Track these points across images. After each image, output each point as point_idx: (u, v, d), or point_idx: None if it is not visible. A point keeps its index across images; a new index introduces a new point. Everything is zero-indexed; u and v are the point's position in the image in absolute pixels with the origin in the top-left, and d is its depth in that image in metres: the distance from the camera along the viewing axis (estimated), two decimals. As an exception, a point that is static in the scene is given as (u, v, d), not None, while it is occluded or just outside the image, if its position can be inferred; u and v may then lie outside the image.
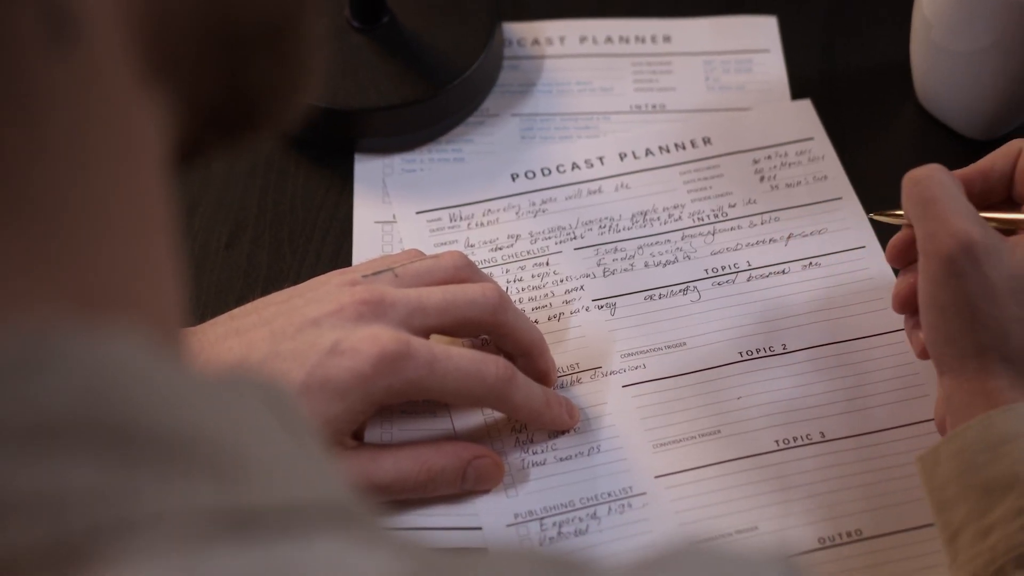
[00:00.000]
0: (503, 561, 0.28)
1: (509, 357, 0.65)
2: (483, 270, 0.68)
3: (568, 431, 0.66)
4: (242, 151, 0.37)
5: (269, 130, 0.34)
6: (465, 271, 0.65)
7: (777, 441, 0.65)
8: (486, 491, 0.64)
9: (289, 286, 0.67)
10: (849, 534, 0.62)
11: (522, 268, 0.73)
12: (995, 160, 0.63)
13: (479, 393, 0.61)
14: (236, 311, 0.64)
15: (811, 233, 0.74)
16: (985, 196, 0.63)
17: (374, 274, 0.63)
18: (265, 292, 0.69)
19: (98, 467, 0.25)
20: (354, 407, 0.59)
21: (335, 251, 0.75)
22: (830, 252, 0.73)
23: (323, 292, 0.62)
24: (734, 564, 0.29)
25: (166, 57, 0.30)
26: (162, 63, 0.29)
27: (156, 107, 0.29)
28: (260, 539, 0.26)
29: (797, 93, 0.82)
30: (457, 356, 0.61)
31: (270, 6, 0.32)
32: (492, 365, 0.61)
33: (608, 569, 0.29)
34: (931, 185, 0.59)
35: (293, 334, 0.60)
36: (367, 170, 0.79)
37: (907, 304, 0.64)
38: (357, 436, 0.64)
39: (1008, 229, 0.61)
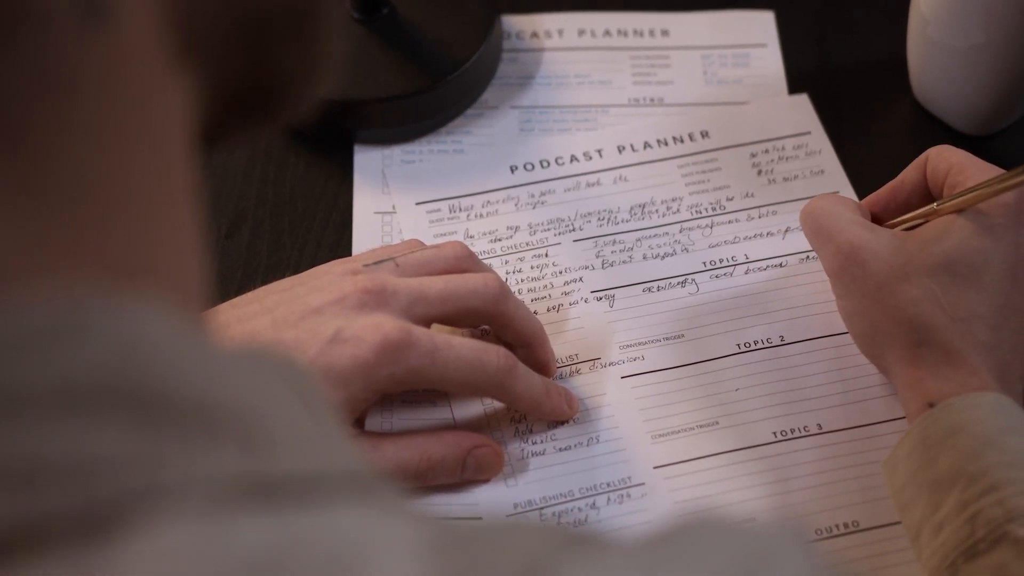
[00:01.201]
0: (516, 531, 0.29)
1: (509, 347, 0.65)
2: (483, 261, 0.68)
3: (567, 421, 0.66)
4: (249, 137, 0.37)
5: (285, 116, 0.35)
6: (466, 261, 0.66)
7: (775, 433, 0.66)
8: (486, 480, 0.64)
9: (289, 276, 0.68)
10: (846, 525, 0.63)
11: (521, 259, 0.74)
12: (905, 174, 0.67)
13: (480, 382, 0.62)
14: (237, 299, 0.64)
15: (808, 227, 0.74)
16: (905, 209, 0.66)
17: (376, 263, 0.64)
18: (265, 282, 0.70)
19: (126, 434, 0.25)
20: (356, 395, 0.59)
21: (335, 241, 0.75)
22: (827, 245, 0.74)
23: (325, 281, 0.62)
24: (746, 538, 0.30)
25: (194, 39, 0.30)
26: (190, 45, 0.30)
27: (182, 88, 0.30)
28: (283, 507, 0.26)
29: (794, 87, 0.82)
30: (459, 345, 0.61)
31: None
32: (493, 355, 0.62)
33: (619, 543, 0.29)
34: (819, 215, 0.65)
35: (295, 322, 0.60)
36: (367, 161, 0.79)
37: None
38: (357, 424, 0.64)
39: (920, 223, 0.64)
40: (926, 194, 0.66)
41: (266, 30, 0.32)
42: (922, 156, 0.67)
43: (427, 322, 0.62)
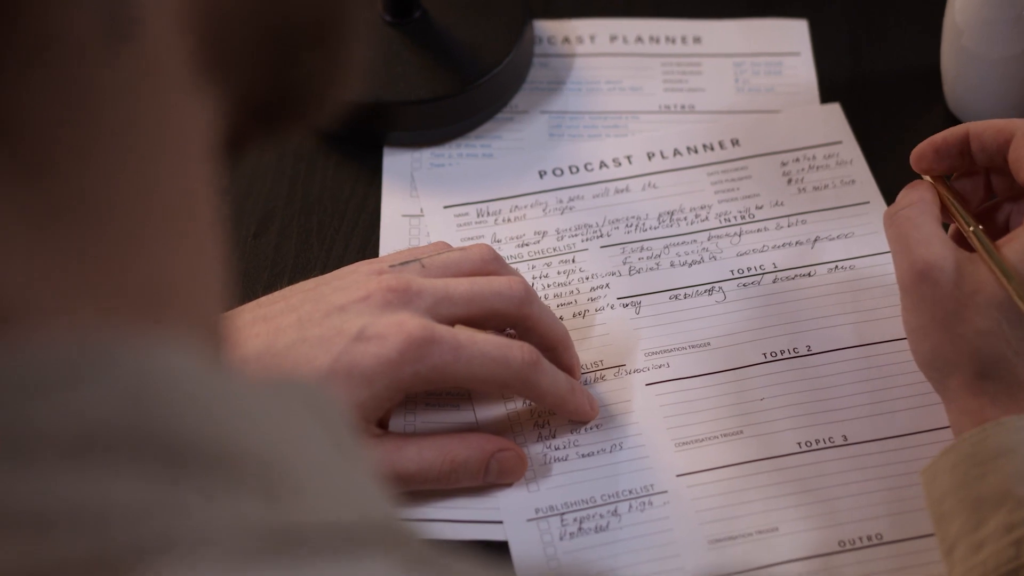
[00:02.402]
0: None
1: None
2: (509, 264, 0.68)
3: (589, 424, 0.66)
4: (276, 143, 0.37)
5: (308, 123, 0.35)
6: (492, 264, 0.65)
7: (799, 443, 0.66)
8: (508, 484, 0.64)
9: (316, 276, 0.68)
10: (869, 538, 0.62)
11: (548, 265, 0.74)
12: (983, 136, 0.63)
13: (505, 378, 0.62)
14: (263, 299, 0.64)
15: (837, 237, 0.74)
16: (949, 169, 0.65)
17: (402, 264, 0.64)
18: (292, 282, 0.70)
19: (143, 481, 0.25)
20: (380, 393, 0.59)
21: (362, 243, 0.75)
22: (856, 256, 0.73)
23: (350, 280, 0.62)
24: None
25: (221, 53, 0.30)
26: (217, 59, 0.29)
27: (205, 102, 0.29)
28: (307, 559, 0.25)
29: (826, 96, 0.82)
30: (482, 341, 0.61)
31: (319, 3, 0.32)
32: (517, 350, 0.62)
33: None
34: (902, 223, 0.62)
35: (320, 320, 0.61)
36: (396, 163, 0.79)
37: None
38: (382, 425, 0.64)
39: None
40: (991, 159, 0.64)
41: (294, 39, 0.32)
42: (1007, 129, 0.63)
43: (451, 323, 0.62)
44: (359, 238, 0.76)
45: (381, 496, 0.30)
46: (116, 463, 0.25)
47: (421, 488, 0.63)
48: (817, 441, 0.66)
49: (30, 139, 0.25)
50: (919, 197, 0.62)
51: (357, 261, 0.73)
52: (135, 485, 0.25)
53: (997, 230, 0.64)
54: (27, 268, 0.25)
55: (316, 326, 0.60)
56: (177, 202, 0.28)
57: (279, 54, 0.32)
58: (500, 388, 0.65)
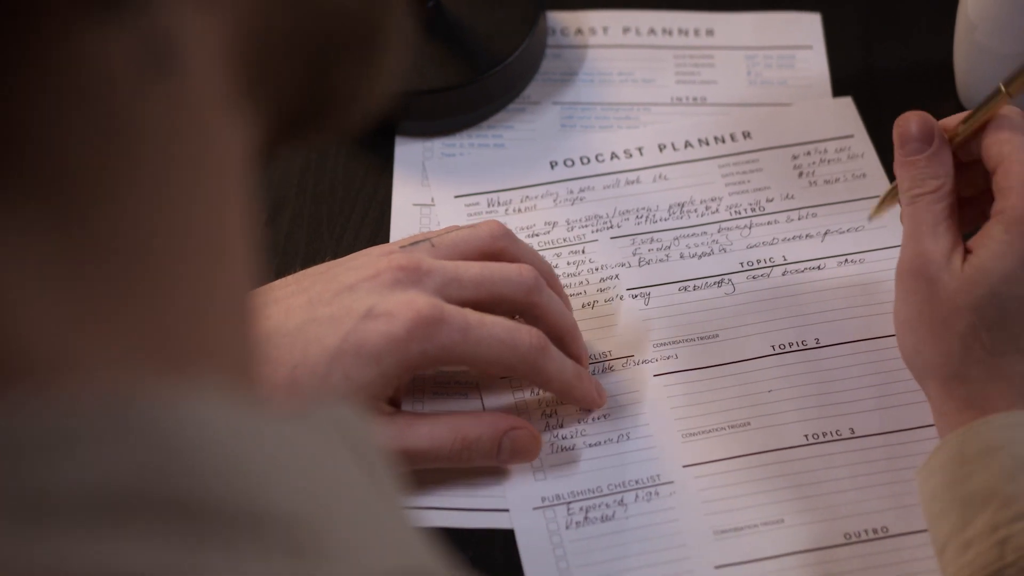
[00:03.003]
0: None
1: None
2: (521, 240, 0.67)
3: (596, 413, 0.66)
4: (307, 149, 0.36)
5: (343, 131, 0.34)
6: (502, 240, 0.65)
7: (806, 435, 0.66)
8: (523, 462, 0.64)
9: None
10: (875, 531, 0.62)
11: (558, 255, 0.74)
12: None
13: (512, 361, 0.62)
14: (276, 282, 0.64)
15: (848, 230, 0.74)
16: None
17: (412, 244, 0.64)
18: (303, 269, 0.70)
19: (162, 546, 0.24)
20: (388, 372, 0.59)
21: (373, 232, 0.76)
22: (866, 249, 0.73)
23: (361, 261, 0.63)
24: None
25: (258, 77, 0.29)
26: (253, 83, 0.29)
27: (243, 127, 0.29)
28: None
29: (839, 90, 0.82)
30: (491, 323, 0.61)
31: (361, 20, 0.31)
32: (525, 334, 0.62)
33: None
34: (918, 210, 0.60)
35: (330, 299, 0.61)
36: (407, 153, 0.79)
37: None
38: (394, 404, 0.65)
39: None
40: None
41: (329, 59, 0.31)
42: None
43: (460, 305, 0.63)
44: (370, 226, 0.76)
45: (417, 538, 0.30)
46: (135, 524, 0.24)
47: (432, 466, 0.63)
48: (824, 434, 0.66)
49: (63, 180, 0.25)
50: (939, 186, 0.61)
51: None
52: (154, 547, 0.24)
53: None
54: (55, 315, 0.25)
55: (326, 306, 0.60)
56: (213, 244, 0.28)
57: (319, 70, 0.31)
58: (507, 371, 0.65)
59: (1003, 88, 0.61)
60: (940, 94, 0.81)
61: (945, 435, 0.58)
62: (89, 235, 0.25)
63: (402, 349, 0.59)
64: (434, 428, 0.62)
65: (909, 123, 0.62)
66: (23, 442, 0.24)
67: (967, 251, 0.59)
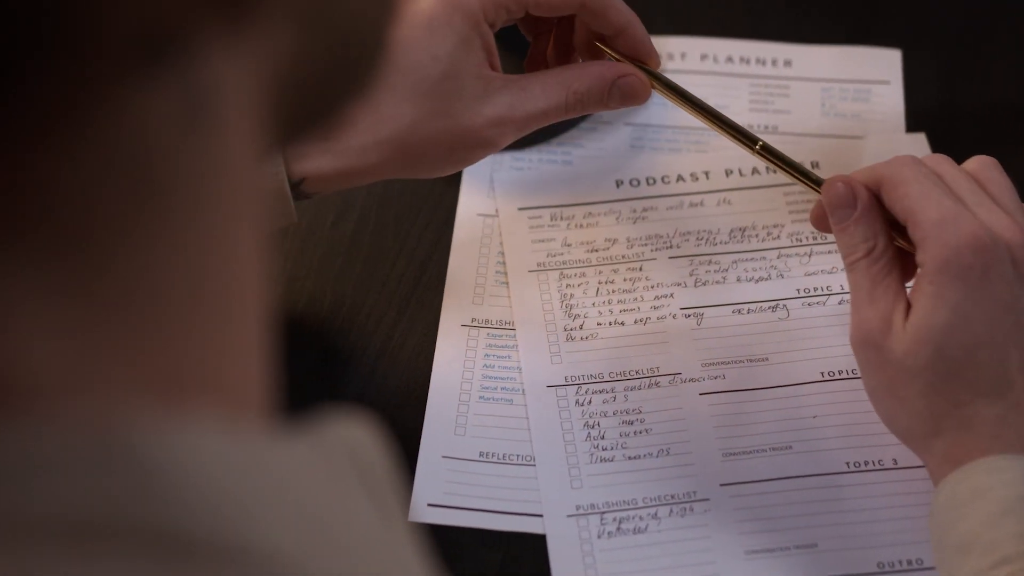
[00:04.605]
0: None
1: (603, 40, 0.66)
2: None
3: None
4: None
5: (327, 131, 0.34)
6: None
7: (848, 463, 0.65)
8: (632, 105, 0.66)
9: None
10: (910, 562, 0.62)
11: (615, 271, 0.74)
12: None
13: None
14: None
15: (909, 264, 0.73)
16: None
17: None
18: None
19: (136, 573, 0.24)
20: (461, 31, 0.63)
21: (435, 239, 0.77)
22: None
23: None
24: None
25: (285, 118, 0.29)
26: (279, 121, 0.29)
27: (263, 158, 0.29)
28: None
29: (913, 127, 0.81)
30: None
31: (377, 49, 0.31)
32: None
33: None
34: (854, 275, 0.60)
35: None
36: (477, 164, 0.80)
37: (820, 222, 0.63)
38: (493, 68, 0.66)
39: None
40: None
41: (347, 83, 0.31)
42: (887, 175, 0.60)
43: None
44: (432, 233, 0.77)
45: (418, 564, 0.30)
46: (109, 551, 0.23)
47: (547, 123, 0.65)
48: (866, 463, 0.65)
49: (89, 232, 0.25)
50: (870, 248, 0.59)
51: (428, 255, 0.75)
52: (127, 573, 0.23)
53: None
54: (53, 343, 0.24)
55: None
56: (228, 281, 0.28)
57: (332, 96, 0.31)
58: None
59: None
60: (1018, 136, 0.80)
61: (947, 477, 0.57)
62: (110, 280, 0.25)
63: (459, 3, 0.62)
64: (546, 87, 0.64)
65: (835, 188, 0.60)
66: (2, 463, 0.24)
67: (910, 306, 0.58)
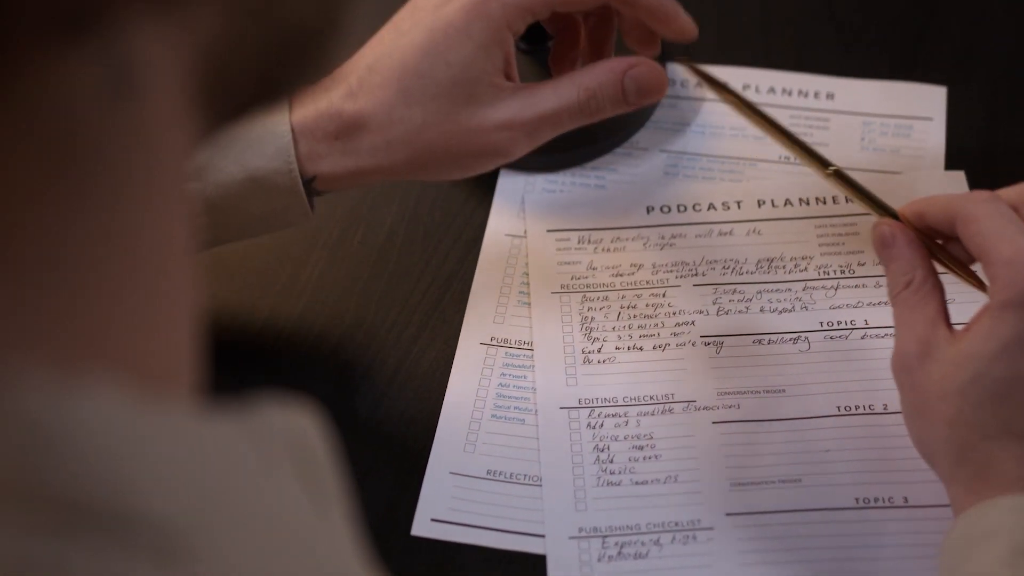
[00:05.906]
0: None
1: (643, 34, 0.66)
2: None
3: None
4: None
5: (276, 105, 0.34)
6: None
7: (857, 499, 0.64)
8: (654, 101, 0.65)
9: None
10: (914, 602, 0.60)
11: (638, 296, 0.74)
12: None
13: None
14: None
15: (937, 301, 0.72)
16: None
17: None
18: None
19: (26, 535, 0.24)
20: (482, 40, 0.63)
21: (462, 257, 0.77)
22: (953, 324, 0.71)
23: None
24: None
25: (214, 89, 0.29)
26: (208, 94, 0.29)
27: (193, 132, 0.29)
28: None
29: (952, 164, 0.80)
30: None
31: (319, 28, 0.31)
32: None
33: None
34: (899, 305, 0.60)
35: (409, 15, 0.65)
36: (509, 185, 0.81)
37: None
38: (509, 78, 0.66)
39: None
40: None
41: (289, 62, 0.31)
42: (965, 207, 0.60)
43: None
44: (459, 251, 0.77)
45: (350, 557, 0.29)
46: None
47: (566, 129, 0.65)
48: (876, 499, 0.64)
49: (11, 198, 0.25)
50: (908, 280, 0.60)
51: (454, 273, 0.75)
52: (16, 538, 0.23)
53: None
54: None
55: (407, 20, 0.65)
56: (147, 262, 0.27)
57: (273, 73, 0.31)
58: None
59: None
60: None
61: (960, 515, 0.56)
62: (17, 245, 0.25)
63: (482, 10, 0.62)
64: (557, 87, 0.64)
65: (879, 231, 0.62)
66: None
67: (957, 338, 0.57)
